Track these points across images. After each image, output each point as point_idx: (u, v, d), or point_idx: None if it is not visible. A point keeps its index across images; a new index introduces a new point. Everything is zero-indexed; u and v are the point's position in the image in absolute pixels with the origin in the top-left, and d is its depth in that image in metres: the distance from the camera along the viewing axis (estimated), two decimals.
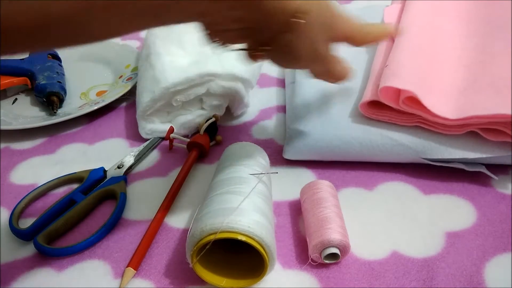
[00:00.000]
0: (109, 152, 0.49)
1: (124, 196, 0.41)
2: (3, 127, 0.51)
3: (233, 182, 0.34)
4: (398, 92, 0.41)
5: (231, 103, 0.50)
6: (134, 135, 0.51)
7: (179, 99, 0.47)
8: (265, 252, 0.30)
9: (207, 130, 0.47)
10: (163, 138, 0.49)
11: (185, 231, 0.38)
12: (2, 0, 0.20)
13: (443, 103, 0.39)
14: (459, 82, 0.42)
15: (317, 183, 0.37)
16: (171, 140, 0.48)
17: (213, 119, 0.48)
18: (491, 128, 0.38)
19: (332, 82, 0.39)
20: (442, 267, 0.33)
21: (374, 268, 0.33)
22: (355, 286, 0.32)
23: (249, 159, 0.38)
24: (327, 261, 0.33)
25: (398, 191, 0.40)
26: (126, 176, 0.44)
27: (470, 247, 0.34)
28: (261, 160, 0.39)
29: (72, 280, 0.34)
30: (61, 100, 0.56)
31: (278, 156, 0.45)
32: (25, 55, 0.61)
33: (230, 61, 0.47)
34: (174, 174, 0.44)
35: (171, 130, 0.47)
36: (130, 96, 0.57)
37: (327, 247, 0.32)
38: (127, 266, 0.34)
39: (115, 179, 0.43)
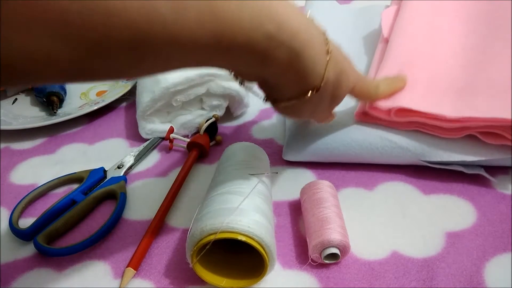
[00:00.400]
0: (109, 152, 0.49)
1: (124, 196, 0.41)
2: (3, 127, 0.51)
3: (233, 182, 0.34)
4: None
5: (231, 103, 0.50)
6: (134, 135, 0.51)
7: (179, 99, 0.47)
8: (265, 252, 0.30)
9: (207, 130, 0.47)
10: (163, 138, 0.49)
11: (185, 231, 0.38)
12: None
13: (440, 103, 0.39)
14: (457, 83, 0.42)
15: (317, 183, 0.37)
16: (171, 140, 0.48)
17: (213, 119, 0.48)
18: (489, 132, 0.38)
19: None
20: (442, 267, 0.33)
21: (374, 268, 0.33)
22: (355, 286, 0.32)
23: (249, 159, 0.38)
24: (327, 261, 0.33)
25: (398, 191, 0.40)
26: (126, 176, 0.44)
27: (470, 247, 0.34)
28: (261, 160, 0.39)
29: (72, 280, 0.34)
30: (61, 100, 0.56)
31: (278, 156, 0.45)
32: None
33: None
34: (174, 174, 0.44)
35: (171, 130, 0.48)
36: (130, 96, 0.57)
37: (327, 247, 0.32)
38: (127, 266, 0.34)
39: (115, 179, 0.43)
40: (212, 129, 0.48)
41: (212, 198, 0.33)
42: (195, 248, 0.30)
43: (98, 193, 0.41)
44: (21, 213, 0.41)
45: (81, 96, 0.60)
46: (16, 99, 0.60)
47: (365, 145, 0.41)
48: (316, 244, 0.32)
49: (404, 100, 0.40)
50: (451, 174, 0.40)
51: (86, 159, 0.48)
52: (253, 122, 0.52)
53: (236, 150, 0.39)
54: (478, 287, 0.31)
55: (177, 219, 0.39)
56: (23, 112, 0.57)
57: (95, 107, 0.54)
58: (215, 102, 0.49)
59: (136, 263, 0.34)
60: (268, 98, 0.34)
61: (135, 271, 0.34)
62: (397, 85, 0.41)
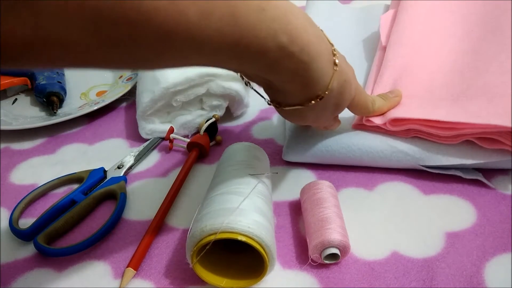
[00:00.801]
0: (109, 152, 0.49)
1: (124, 196, 0.41)
2: (3, 127, 0.51)
3: (233, 182, 0.34)
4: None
5: (231, 103, 0.50)
6: (134, 135, 0.51)
7: (179, 99, 0.47)
8: (265, 253, 0.30)
9: (207, 130, 0.47)
10: (163, 138, 0.49)
11: (185, 231, 0.38)
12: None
13: (435, 110, 0.40)
14: (452, 89, 0.42)
15: (317, 183, 0.37)
16: (171, 140, 0.48)
17: (213, 119, 0.48)
18: (486, 137, 0.38)
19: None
20: (442, 267, 0.33)
21: (374, 268, 0.33)
22: (355, 286, 0.32)
23: (249, 159, 0.38)
24: (327, 261, 0.33)
25: (398, 191, 0.40)
26: (126, 176, 0.44)
27: (470, 247, 0.34)
28: (261, 160, 0.39)
29: (72, 280, 0.34)
30: (61, 100, 0.56)
31: (278, 156, 0.45)
32: None
33: None
34: (174, 174, 0.44)
35: (171, 130, 0.48)
36: (130, 96, 0.57)
37: (327, 247, 0.32)
38: (127, 266, 0.34)
39: (115, 179, 0.43)
40: (212, 129, 0.48)
41: (212, 198, 0.33)
42: (195, 249, 0.30)
43: (98, 193, 0.41)
44: (21, 213, 0.41)
45: (81, 96, 0.60)
46: (16, 99, 0.60)
47: (364, 149, 0.41)
48: (316, 244, 0.32)
49: (397, 112, 0.41)
50: (451, 175, 0.40)
51: (86, 159, 0.48)
52: (253, 122, 0.52)
53: (236, 150, 0.39)
54: (478, 287, 0.31)
55: (177, 219, 0.39)
56: (23, 112, 0.57)
57: (95, 107, 0.54)
58: (215, 102, 0.49)
59: (136, 263, 0.34)
60: (272, 101, 0.35)
61: (135, 271, 0.34)
62: (393, 102, 0.42)
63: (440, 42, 0.48)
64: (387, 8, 0.63)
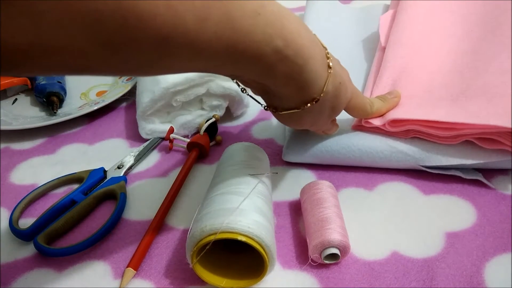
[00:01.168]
0: (109, 152, 0.49)
1: (124, 196, 0.41)
2: (3, 127, 0.51)
3: (233, 183, 0.34)
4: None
5: (231, 103, 0.50)
6: (134, 135, 0.51)
7: (179, 99, 0.47)
8: (265, 253, 0.30)
9: (207, 130, 0.47)
10: (163, 138, 0.49)
11: (185, 231, 0.38)
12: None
13: (434, 110, 0.40)
14: (452, 89, 0.42)
15: (317, 183, 0.37)
16: (171, 140, 0.48)
17: (213, 119, 0.48)
18: (486, 137, 0.38)
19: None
20: (442, 267, 0.33)
21: (374, 268, 0.33)
22: (355, 287, 0.32)
23: (249, 159, 0.38)
24: (327, 261, 0.33)
25: (398, 191, 0.40)
26: (126, 176, 0.44)
27: (470, 247, 0.34)
28: (261, 160, 0.39)
29: (72, 280, 0.34)
30: (61, 100, 0.56)
31: (278, 157, 0.45)
32: None
33: None
34: (174, 174, 0.44)
35: (171, 130, 0.48)
36: (130, 96, 0.57)
37: (327, 248, 0.32)
38: (127, 267, 0.34)
39: (115, 179, 0.43)
40: (212, 129, 0.48)
41: (212, 199, 0.33)
42: (195, 249, 0.30)
43: (98, 193, 0.41)
44: (21, 213, 0.41)
45: (81, 96, 0.60)
46: (16, 99, 0.60)
47: (364, 149, 0.41)
48: (316, 244, 0.32)
49: (396, 113, 0.41)
50: (451, 175, 0.40)
51: (86, 159, 0.48)
52: (253, 122, 0.52)
53: (236, 150, 0.39)
54: (478, 287, 0.31)
55: (177, 219, 0.39)
56: (23, 112, 0.57)
57: (95, 107, 0.54)
58: (215, 102, 0.49)
59: (136, 263, 0.34)
60: (269, 106, 0.35)
61: (135, 271, 0.34)
62: (391, 103, 0.42)
63: (439, 42, 0.48)
64: (387, 8, 0.64)
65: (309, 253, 0.33)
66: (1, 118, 0.54)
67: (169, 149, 0.48)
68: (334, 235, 0.32)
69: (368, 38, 0.59)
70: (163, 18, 0.21)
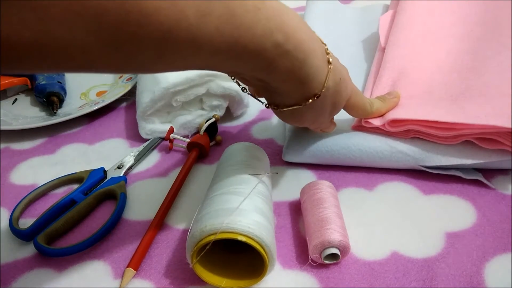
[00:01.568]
0: (109, 152, 0.49)
1: (124, 196, 0.41)
2: (3, 127, 0.51)
3: (233, 183, 0.34)
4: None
5: (231, 103, 0.50)
6: (134, 135, 0.51)
7: (179, 99, 0.47)
8: (265, 253, 0.30)
9: (207, 130, 0.47)
10: (163, 138, 0.49)
11: (185, 231, 0.38)
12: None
13: (434, 110, 0.40)
14: (451, 90, 0.42)
15: (317, 183, 0.37)
16: (171, 140, 0.48)
17: (213, 119, 0.48)
18: (486, 137, 0.38)
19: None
20: (442, 268, 0.33)
21: (374, 268, 0.33)
22: (355, 287, 0.32)
23: (249, 159, 0.38)
24: (327, 262, 0.33)
25: (398, 191, 0.40)
26: (126, 176, 0.44)
27: (470, 247, 0.34)
28: (261, 160, 0.39)
29: (72, 280, 0.34)
30: (61, 100, 0.56)
31: (278, 157, 0.45)
32: None
33: None
34: (174, 174, 0.44)
35: (171, 130, 0.48)
36: (130, 96, 0.57)
37: (327, 248, 0.32)
38: (127, 267, 0.34)
39: (115, 179, 0.43)
40: (212, 129, 0.48)
41: (212, 199, 0.33)
42: (195, 249, 0.30)
43: (98, 193, 0.41)
44: (21, 213, 0.41)
45: (81, 96, 0.60)
46: (16, 99, 0.60)
47: (364, 149, 0.41)
48: (316, 244, 0.32)
49: (396, 113, 0.41)
50: (451, 175, 0.40)
51: (86, 159, 0.48)
52: (253, 122, 0.52)
53: (236, 150, 0.39)
54: (478, 287, 0.31)
55: (177, 219, 0.39)
56: (23, 112, 0.57)
57: (95, 107, 0.54)
58: (215, 102, 0.49)
59: (136, 263, 0.34)
60: (270, 104, 0.35)
61: (135, 271, 0.34)
62: (391, 103, 0.42)
63: (439, 42, 0.48)
64: (386, 8, 0.64)
65: (309, 253, 0.33)
66: (1, 118, 0.54)
67: (169, 149, 0.48)
68: (334, 235, 0.32)
69: (368, 39, 0.59)
70: (166, 13, 0.21)
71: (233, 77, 0.35)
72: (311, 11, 0.63)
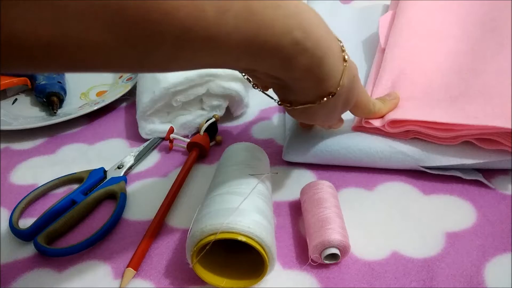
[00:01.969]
0: (109, 152, 0.49)
1: (124, 196, 0.41)
2: (3, 127, 0.51)
3: (233, 183, 0.34)
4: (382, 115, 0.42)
5: (231, 103, 0.50)
6: (134, 135, 0.51)
7: (179, 99, 0.47)
8: (265, 253, 0.30)
9: (207, 130, 0.47)
10: (163, 139, 0.49)
11: (185, 231, 0.38)
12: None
13: (433, 111, 0.40)
14: (451, 91, 0.42)
15: (317, 183, 0.37)
16: (171, 140, 0.48)
17: (213, 119, 0.48)
18: (485, 138, 0.38)
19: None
20: (442, 267, 0.33)
21: (374, 268, 0.33)
22: (355, 287, 0.32)
23: (249, 159, 0.38)
24: (327, 262, 0.33)
25: (398, 191, 0.40)
26: (126, 176, 0.44)
27: (470, 247, 0.34)
28: (261, 160, 0.39)
29: (72, 280, 0.34)
30: (61, 100, 0.56)
31: (278, 157, 0.45)
32: None
33: None
34: (174, 174, 0.44)
35: (171, 130, 0.48)
36: (130, 96, 0.57)
37: (327, 248, 0.32)
38: (127, 267, 0.34)
39: (115, 179, 0.43)
40: (212, 129, 0.48)
41: (212, 199, 0.33)
42: (195, 249, 0.30)
43: (98, 194, 0.41)
44: (21, 214, 0.41)
45: (81, 96, 0.60)
46: (16, 99, 0.60)
47: (364, 149, 0.41)
48: (316, 244, 0.32)
49: (396, 113, 0.41)
50: (451, 175, 0.40)
51: (86, 159, 0.48)
52: (253, 122, 0.52)
53: (236, 151, 0.39)
54: (478, 287, 0.31)
55: (177, 219, 0.39)
56: (23, 112, 0.57)
57: (95, 107, 0.54)
58: (215, 102, 0.49)
59: (136, 264, 0.34)
60: (283, 101, 0.35)
61: (135, 272, 0.34)
62: (391, 104, 0.42)
63: (438, 43, 0.48)
64: (386, 8, 0.64)
65: (309, 253, 0.33)
66: (1, 118, 0.54)
67: (169, 149, 0.48)
68: (334, 235, 0.32)
69: (368, 39, 0.59)
70: (185, 11, 0.21)
71: (243, 74, 0.34)
72: None
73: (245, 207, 0.31)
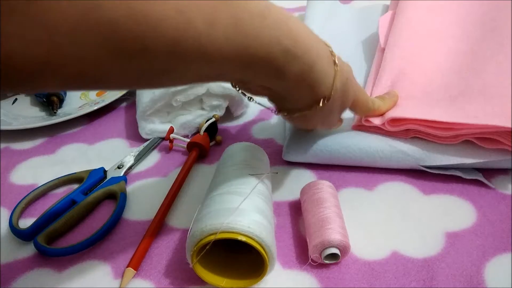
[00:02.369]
0: (109, 152, 0.49)
1: (124, 196, 0.41)
2: (3, 127, 0.51)
3: (233, 182, 0.34)
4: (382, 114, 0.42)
5: (231, 103, 0.50)
6: (134, 135, 0.51)
7: (179, 99, 0.47)
8: (265, 252, 0.30)
9: (207, 130, 0.47)
10: (163, 138, 0.49)
11: (185, 231, 0.38)
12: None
13: (432, 110, 0.40)
14: (450, 90, 0.42)
15: (317, 183, 0.37)
16: (171, 140, 0.48)
17: (213, 119, 0.48)
18: (485, 137, 0.38)
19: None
20: (442, 267, 0.33)
21: (374, 268, 0.33)
22: (355, 286, 0.32)
23: (249, 159, 0.38)
24: (327, 261, 0.33)
25: (398, 191, 0.40)
26: (126, 176, 0.44)
27: (470, 247, 0.34)
28: (261, 160, 0.39)
29: (72, 280, 0.34)
30: (61, 100, 0.56)
31: (278, 156, 0.45)
32: None
33: None
34: (174, 174, 0.44)
35: (171, 130, 0.48)
36: (130, 96, 0.57)
37: (327, 247, 0.32)
38: (127, 266, 0.34)
39: (115, 179, 0.43)
40: (212, 129, 0.48)
41: (212, 198, 0.33)
42: (195, 249, 0.30)
43: (98, 193, 0.41)
44: (21, 213, 0.41)
45: (81, 96, 0.60)
46: (16, 99, 0.60)
47: (365, 149, 0.41)
48: (316, 244, 0.32)
49: (396, 112, 0.41)
50: (451, 175, 0.40)
51: (86, 159, 0.48)
52: (253, 122, 0.52)
53: (236, 150, 0.39)
54: (478, 287, 0.31)
55: (177, 219, 0.39)
56: (23, 112, 0.57)
57: (95, 107, 0.54)
58: (215, 102, 0.49)
59: (136, 263, 0.34)
60: (280, 110, 0.35)
61: (135, 271, 0.34)
62: (390, 102, 0.42)
63: (438, 42, 0.48)
64: (386, 8, 0.64)
65: (309, 253, 0.33)
66: (1, 118, 0.54)
67: (169, 149, 0.48)
68: (334, 235, 0.32)
69: (367, 39, 0.59)
70: (173, 22, 0.21)
71: (237, 88, 0.35)
72: (312, 11, 0.63)
73: (245, 207, 0.31)
